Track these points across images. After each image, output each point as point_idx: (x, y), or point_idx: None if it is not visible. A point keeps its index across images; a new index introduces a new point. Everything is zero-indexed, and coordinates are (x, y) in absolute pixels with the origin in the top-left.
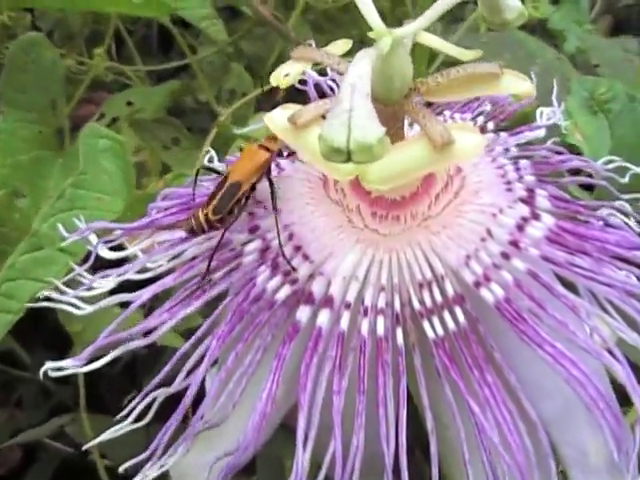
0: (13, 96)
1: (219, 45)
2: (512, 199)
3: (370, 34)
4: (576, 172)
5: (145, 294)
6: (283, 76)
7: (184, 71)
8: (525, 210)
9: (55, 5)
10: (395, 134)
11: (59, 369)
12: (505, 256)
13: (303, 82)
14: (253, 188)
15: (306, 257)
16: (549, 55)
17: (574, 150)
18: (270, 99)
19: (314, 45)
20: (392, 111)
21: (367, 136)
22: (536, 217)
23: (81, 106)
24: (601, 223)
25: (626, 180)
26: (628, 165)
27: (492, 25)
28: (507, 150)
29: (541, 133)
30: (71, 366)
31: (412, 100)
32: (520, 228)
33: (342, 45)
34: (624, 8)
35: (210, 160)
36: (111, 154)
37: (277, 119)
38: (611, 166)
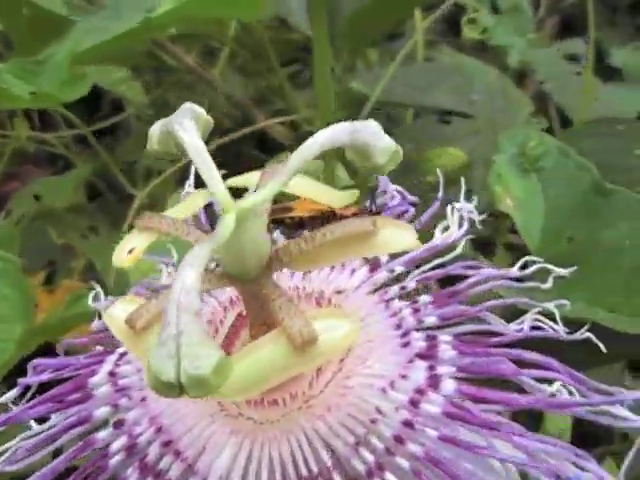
0: None
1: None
2: (409, 357)
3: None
4: None
5: None
6: (127, 253)
7: (112, 134)
8: (422, 375)
9: None
10: (261, 320)
11: None
12: (399, 440)
13: None
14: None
15: (177, 454)
16: (490, 77)
17: (507, 219)
18: None
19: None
20: (252, 291)
21: (200, 367)
22: (434, 385)
23: (4, 182)
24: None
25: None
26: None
27: (364, 170)
28: (404, 288)
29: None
30: None
31: (272, 277)
32: (414, 403)
33: (193, 204)
34: (570, 7)
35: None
36: (5, 277)
37: (115, 319)
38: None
